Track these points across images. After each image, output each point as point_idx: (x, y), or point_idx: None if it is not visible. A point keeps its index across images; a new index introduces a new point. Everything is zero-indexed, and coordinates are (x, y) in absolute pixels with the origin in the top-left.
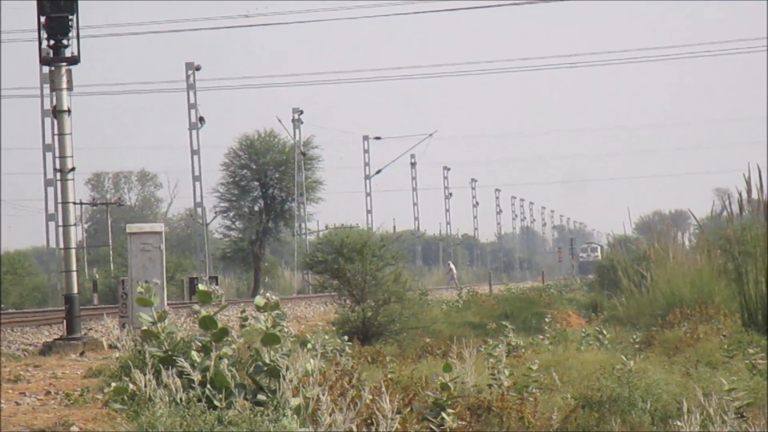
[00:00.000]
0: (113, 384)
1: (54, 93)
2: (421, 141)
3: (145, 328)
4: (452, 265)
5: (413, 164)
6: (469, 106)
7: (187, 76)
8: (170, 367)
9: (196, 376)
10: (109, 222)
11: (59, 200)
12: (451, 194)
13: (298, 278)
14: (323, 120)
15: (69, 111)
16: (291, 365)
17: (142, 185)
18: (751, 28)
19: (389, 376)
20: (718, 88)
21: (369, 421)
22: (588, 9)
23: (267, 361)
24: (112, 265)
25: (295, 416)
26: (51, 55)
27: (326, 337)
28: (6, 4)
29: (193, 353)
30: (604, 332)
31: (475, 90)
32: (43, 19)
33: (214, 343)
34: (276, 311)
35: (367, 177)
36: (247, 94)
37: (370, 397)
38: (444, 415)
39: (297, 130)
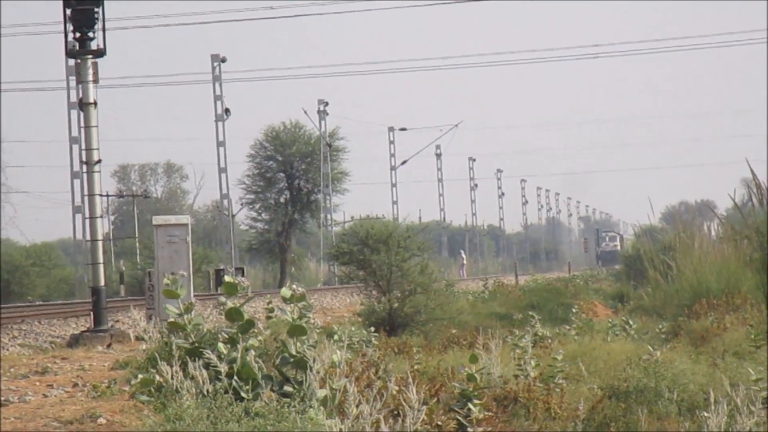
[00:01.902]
0: (140, 376)
1: (80, 86)
2: (447, 132)
3: (171, 320)
4: (463, 255)
5: (439, 155)
6: (495, 97)
7: (213, 68)
8: (197, 359)
9: (223, 368)
10: (136, 214)
11: (86, 192)
12: (476, 185)
13: (324, 269)
14: (349, 111)
15: (95, 103)
16: (317, 356)
17: (168, 177)
18: None
19: (416, 367)
20: (746, 78)
21: (396, 412)
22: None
23: (293, 352)
24: (138, 257)
25: (321, 407)
26: (77, 47)
27: (352, 328)
28: None
29: (220, 345)
30: (631, 322)
31: (500, 81)
32: (68, 11)
33: (240, 335)
34: (302, 303)
35: (393, 168)
36: (273, 86)
37: (397, 388)
38: (470, 405)
39: (323, 122)
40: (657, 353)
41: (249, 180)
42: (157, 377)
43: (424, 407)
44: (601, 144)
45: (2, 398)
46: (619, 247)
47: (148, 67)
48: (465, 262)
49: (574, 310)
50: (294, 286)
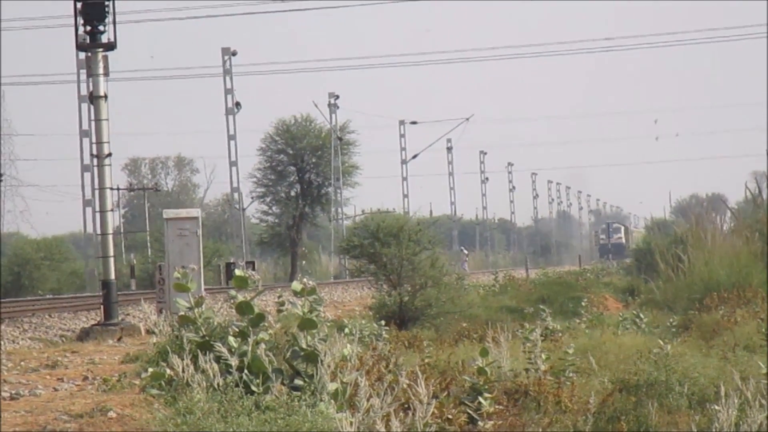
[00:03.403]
0: (151, 369)
1: (91, 79)
2: (458, 125)
3: (182, 313)
4: (465, 251)
5: (449, 149)
6: (506, 90)
7: (224, 62)
8: (207, 353)
9: (234, 362)
10: (146, 207)
11: (96, 186)
12: (487, 178)
13: (335, 263)
14: (360, 105)
15: (106, 97)
16: (328, 350)
17: (178, 170)
18: None
19: (426, 360)
20: (757, 71)
21: (406, 406)
22: None
23: (304, 346)
24: (149, 251)
25: (332, 401)
26: (87, 41)
27: (363, 321)
28: None
29: (231, 338)
30: (641, 316)
31: (511, 74)
32: (79, 5)
33: (251, 329)
34: (313, 296)
35: (404, 162)
36: (284, 79)
37: (407, 381)
38: (481, 399)
39: (333, 115)
40: (668, 347)
41: (260, 173)
42: (168, 371)
43: (435, 401)
44: (611, 137)
45: (13, 391)
46: (623, 240)
47: (159, 61)
48: (467, 258)
49: (584, 304)
50: (305, 280)
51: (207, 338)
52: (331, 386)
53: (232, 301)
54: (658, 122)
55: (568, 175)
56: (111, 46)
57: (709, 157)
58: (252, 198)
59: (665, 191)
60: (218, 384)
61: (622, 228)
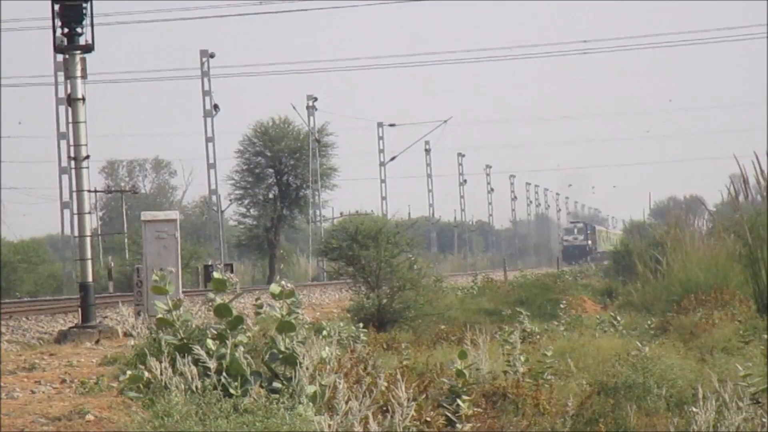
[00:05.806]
0: (128, 372)
1: (68, 81)
2: (436, 127)
3: (160, 316)
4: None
5: (428, 151)
6: (484, 93)
7: (202, 64)
8: (186, 355)
9: (212, 364)
10: (124, 210)
11: (74, 188)
12: (465, 180)
13: (313, 265)
14: (338, 107)
15: (83, 99)
16: (306, 353)
17: (156, 173)
18: None
19: (404, 363)
20: (735, 73)
21: (385, 409)
22: None
23: (282, 348)
24: (127, 253)
25: (310, 404)
26: (65, 43)
27: (341, 324)
28: None
29: (209, 341)
30: (619, 318)
31: (489, 76)
32: (57, 7)
33: (229, 331)
34: (291, 299)
35: (382, 164)
36: (262, 81)
37: (386, 384)
38: (459, 402)
39: (311, 117)
40: (646, 349)
41: (238, 176)
42: (146, 373)
43: (413, 403)
44: (589, 139)
45: None
46: (589, 242)
47: (137, 63)
48: None
49: (562, 306)
50: (283, 282)
51: (185, 341)
52: (310, 389)
53: (210, 303)
54: (641, 121)
55: (547, 178)
56: (89, 48)
57: (687, 159)
58: (230, 200)
59: (645, 193)
60: (196, 387)
61: (587, 228)
